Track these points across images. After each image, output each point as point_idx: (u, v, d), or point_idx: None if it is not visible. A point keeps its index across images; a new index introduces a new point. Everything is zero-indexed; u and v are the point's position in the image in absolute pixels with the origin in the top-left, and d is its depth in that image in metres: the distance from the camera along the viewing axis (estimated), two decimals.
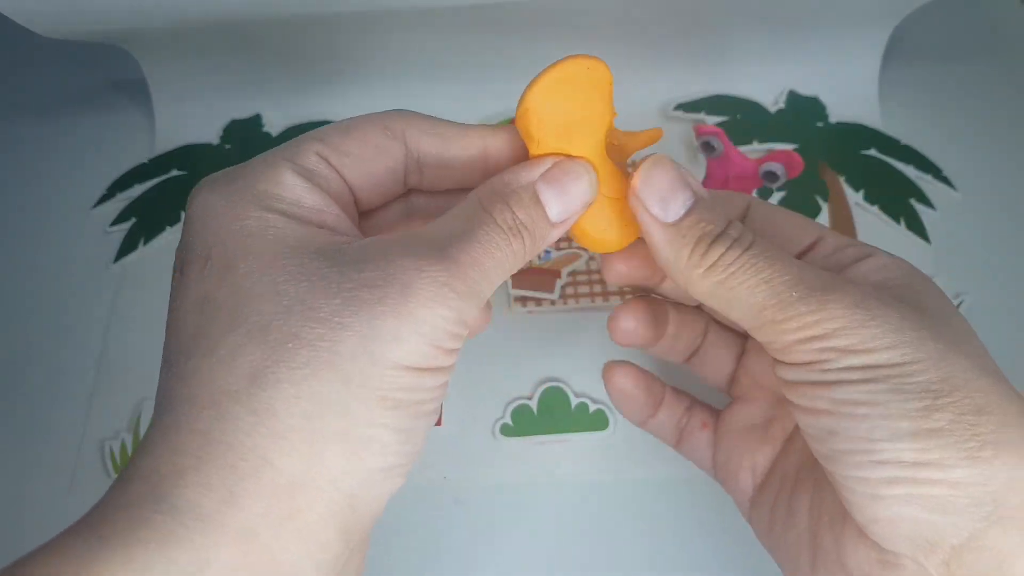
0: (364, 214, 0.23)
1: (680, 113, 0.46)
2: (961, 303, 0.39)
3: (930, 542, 0.19)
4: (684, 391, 0.29)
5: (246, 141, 0.46)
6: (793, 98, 0.47)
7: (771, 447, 0.26)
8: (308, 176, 0.20)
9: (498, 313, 0.39)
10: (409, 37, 0.43)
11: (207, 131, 0.46)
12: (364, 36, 0.43)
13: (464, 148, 0.22)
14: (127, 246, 0.42)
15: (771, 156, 0.35)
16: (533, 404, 0.36)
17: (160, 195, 0.44)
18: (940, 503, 0.18)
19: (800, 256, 0.23)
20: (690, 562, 0.33)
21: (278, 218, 0.19)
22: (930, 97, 0.48)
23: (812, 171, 0.44)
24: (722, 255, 0.21)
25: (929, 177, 0.44)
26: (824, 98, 0.47)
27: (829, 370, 0.19)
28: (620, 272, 0.25)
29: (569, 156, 0.22)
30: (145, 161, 0.45)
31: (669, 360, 0.29)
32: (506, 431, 0.36)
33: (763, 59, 0.46)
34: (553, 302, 0.39)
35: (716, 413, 0.28)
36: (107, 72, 0.50)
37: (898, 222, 0.42)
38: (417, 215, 0.24)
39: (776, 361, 0.21)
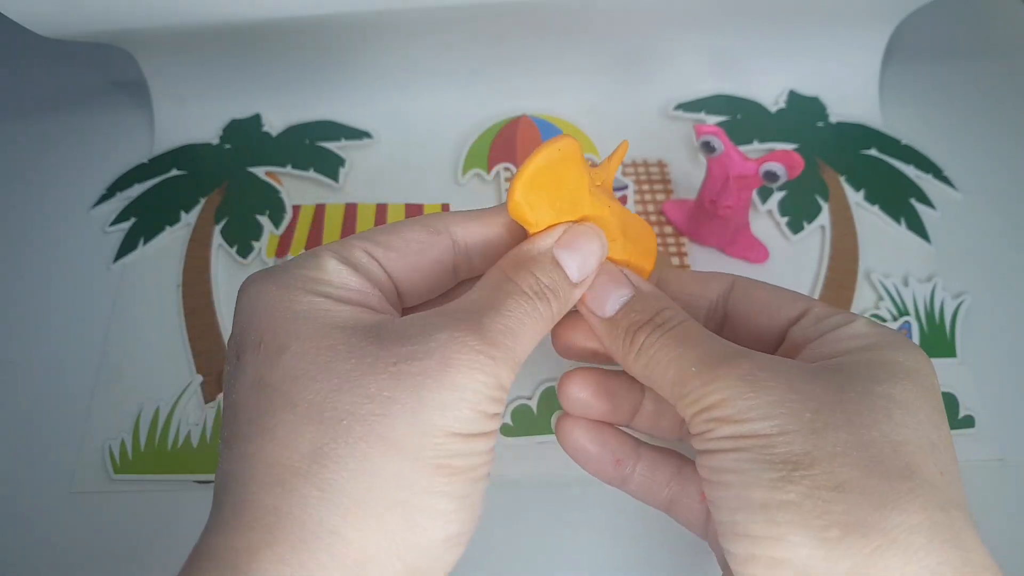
0: (411, 308, 0.24)
1: (680, 113, 0.46)
2: (961, 303, 0.39)
3: None
4: (671, 450, 0.27)
5: (246, 141, 0.46)
6: (793, 98, 0.47)
7: None
8: (353, 265, 0.21)
9: None
10: (409, 37, 0.43)
11: (207, 131, 0.46)
12: (364, 36, 0.43)
13: (499, 224, 0.23)
14: (127, 246, 0.42)
15: (771, 156, 0.35)
16: (533, 404, 0.36)
17: (160, 195, 0.44)
18: None
19: (787, 328, 0.24)
20: (690, 561, 0.33)
21: (324, 301, 0.20)
22: (930, 97, 0.48)
23: (812, 171, 0.44)
24: (644, 340, 0.22)
25: (929, 177, 0.44)
26: (824, 98, 0.47)
27: (710, 439, 0.20)
28: (570, 344, 0.26)
29: (576, 221, 0.23)
30: (145, 161, 0.45)
31: (663, 438, 0.28)
32: (506, 431, 0.36)
33: (763, 59, 0.46)
34: None
35: None
36: (107, 72, 0.50)
37: (898, 222, 0.42)
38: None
39: (689, 433, 0.22)
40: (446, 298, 0.25)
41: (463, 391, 0.19)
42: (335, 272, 0.21)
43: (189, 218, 0.43)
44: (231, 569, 0.17)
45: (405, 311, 0.24)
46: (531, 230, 0.23)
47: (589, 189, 0.24)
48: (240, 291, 0.21)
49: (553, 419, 0.27)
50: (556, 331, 0.26)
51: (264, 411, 0.19)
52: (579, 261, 0.22)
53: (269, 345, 0.19)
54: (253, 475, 0.18)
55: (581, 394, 0.26)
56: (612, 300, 0.23)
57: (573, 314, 0.26)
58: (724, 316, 0.26)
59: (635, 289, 0.24)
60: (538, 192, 0.22)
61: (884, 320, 0.39)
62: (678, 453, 0.27)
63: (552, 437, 0.35)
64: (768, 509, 0.18)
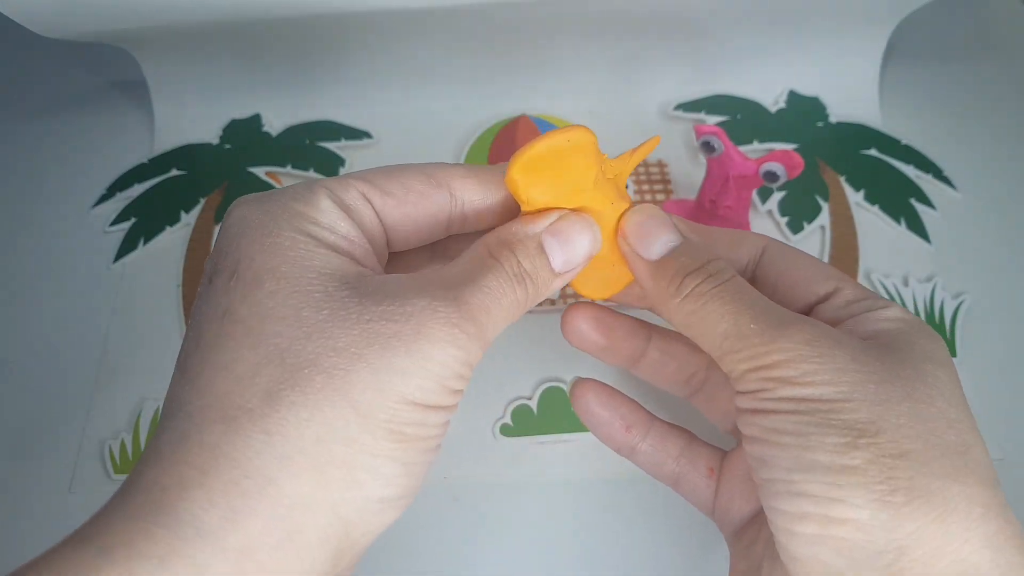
0: (396, 253, 0.24)
1: (680, 113, 0.46)
2: (961, 303, 0.39)
3: None
4: (681, 428, 0.28)
5: (246, 141, 0.46)
6: (793, 98, 0.47)
7: None
8: (346, 208, 0.21)
9: None
10: (409, 37, 0.43)
11: (207, 131, 0.46)
12: (364, 36, 0.43)
13: (501, 188, 0.23)
14: (127, 246, 0.42)
15: (771, 156, 0.35)
16: (533, 404, 0.36)
17: (160, 195, 0.44)
18: (846, 547, 0.18)
19: (815, 305, 0.24)
20: (689, 561, 0.33)
21: (308, 241, 0.19)
22: (930, 97, 0.48)
23: (812, 171, 0.44)
24: (696, 286, 0.22)
25: (929, 177, 0.44)
26: (824, 98, 0.47)
27: (767, 399, 0.20)
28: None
29: (575, 210, 0.23)
30: (145, 161, 0.45)
31: (664, 389, 0.28)
32: (506, 431, 0.36)
33: (763, 59, 0.46)
34: (553, 302, 0.39)
35: (721, 455, 0.27)
36: (107, 72, 0.50)
37: (898, 222, 0.42)
38: (440, 258, 0.25)
39: (734, 391, 0.22)
40: (433, 249, 0.25)
41: (431, 362, 0.18)
42: (326, 211, 0.20)
43: (189, 218, 0.43)
44: (155, 505, 0.16)
45: (391, 255, 0.23)
46: (524, 208, 0.22)
47: (596, 181, 0.23)
48: (227, 212, 0.21)
49: (569, 382, 0.27)
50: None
51: (226, 344, 0.18)
52: (566, 252, 0.22)
53: (243, 275, 0.19)
54: (200, 408, 0.17)
55: (582, 325, 0.26)
56: (660, 244, 0.23)
57: (585, 304, 0.26)
58: (752, 281, 0.25)
59: (683, 237, 0.23)
60: (538, 173, 0.22)
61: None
62: (688, 430, 0.27)
63: (552, 437, 0.36)
64: (831, 472, 0.18)
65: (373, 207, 0.21)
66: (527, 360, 0.38)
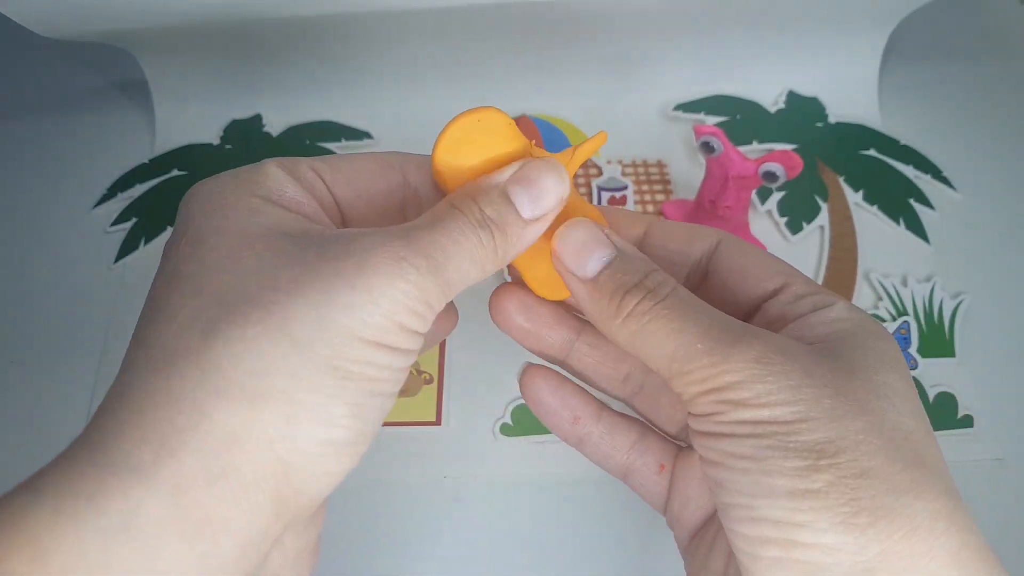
0: None
1: (680, 113, 0.46)
2: (960, 303, 0.39)
3: None
4: (635, 419, 0.26)
5: (246, 141, 0.46)
6: (793, 98, 0.47)
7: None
8: (296, 177, 0.21)
9: None
10: (409, 38, 0.43)
11: (207, 131, 0.46)
12: (364, 36, 0.43)
13: None
14: (128, 246, 0.42)
15: (771, 156, 0.35)
16: None
17: (160, 195, 0.44)
18: (811, 569, 0.18)
19: (763, 300, 0.23)
20: None
21: (256, 200, 0.20)
22: (930, 97, 0.48)
23: (812, 171, 0.44)
24: (636, 304, 0.21)
25: (928, 177, 0.44)
26: (824, 98, 0.47)
27: (722, 422, 0.19)
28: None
29: (539, 156, 0.22)
30: (145, 161, 0.46)
31: (602, 389, 0.27)
32: (506, 431, 0.36)
33: (763, 59, 0.46)
34: None
35: (675, 451, 0.26)
36: (107, 72, 0.50)
37: (897, 222, 0.42)
38: None
39: (687, 412, 0.21)
40: None
41: (377, 296, 0.18)
42: (274, 177, 0.20)
43: None
44: (91, 448, 0.16)
45: None
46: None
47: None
48: (187, 195, 0.21)
49: (519, 369, 0.26)
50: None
51: (170, 298, 0.18)
52: (533, 196, 0.21)
53: (191, 238, 0.19)
54: (146, 358, 0.17)
55: (508, 305, 0.25)
56: (594, 260, 0.22)
57: (514, 285, 0.25)
58: (704, 276, 0.24)
59: (617, 250, 0.22)
60: (460, 161, 0.21)
61: (883, 320, 0.39)
62: (642, 423, 0.26)
63: (552, 437, 0.36)
64: (793, 496, 0.18)
65: (324, 181, 0.21)
66: (527, 360, 0.38)
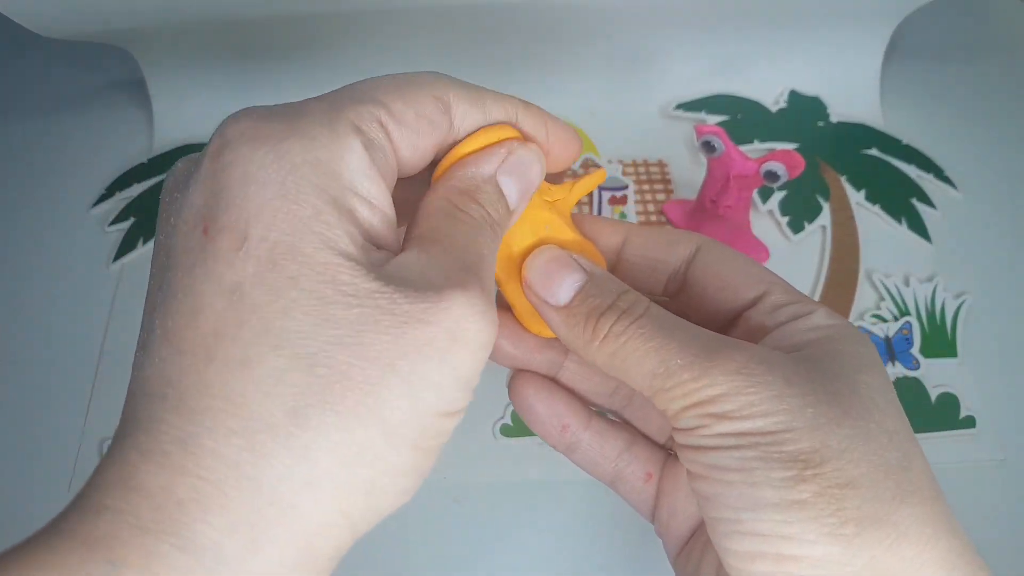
0: None
1: (681, 112, 0.46)
2: (962, 303, 0.39)
3: None
4: (624, 425, 0.27)
5: None
6: (794, 97, 0.47)
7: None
8: (370, 151, 0.18)
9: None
10: (409, 37, 0.43)
11: (206, 131, 0.46)
12: (364, 36, 0.43)
13: (502, 117, 0.22)
14: (126, 246, 0.42)
15: (772, 155, 0.35)
16: None
17: (159, 195, 0.44)
18: None
19: (743, 309, 0.23)
20: None
21: (332, 211, 0.17)
22: (931, 97, 0.48)
23: (813, 170, 0.44)
24: (611, 326, 0.21)
25: (930, 177, 0.44)
26: (825, 98, 0.47)
27: (706, 435, 0.19)
28: (505, 351, 0.25)
29: (519, 139, 0.22)
30: (144, 161, 0.45)
31: (591, 401, 0.27)
32: (506, 431, 0.36)
33: (764, 58, 0.46)
34: None
35: (663, 457, 0.26)
36: (107, 72, 0.50)
37: (899, 222, 0.42)
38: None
39: (671, 427, 0.21)
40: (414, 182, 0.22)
41: (463, 370, 0.17)
42: (354, 166, 0.17)
43: None
44: (171, 522, 0.15)
45: None
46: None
47: (532, 202, 0.22)
48: (225, 141, 0.18)
49: (508, 375, 0.26)
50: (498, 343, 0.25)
51: (239, 334, 0.16)
52: (520, 187, 0.21)
53: (257, 249, 0.16)
54: (213, 409, 0.15)
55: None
56: (565, 287, 0.22)
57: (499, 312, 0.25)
58: (683, 283, 0.24)
59: (587, 274, 0.22)
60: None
61: (885, 320, 0.39)
62: (630, 431, 0.26)
63: None
64: (780, 508, 0.18)
65: (391, 141, 0.19)
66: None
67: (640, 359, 0.20)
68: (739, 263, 0.23)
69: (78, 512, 0.15)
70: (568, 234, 0.23)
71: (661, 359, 0.20)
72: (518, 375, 0.26)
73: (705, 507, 0.20)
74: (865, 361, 0.20)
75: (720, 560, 0.20)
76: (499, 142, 0.21)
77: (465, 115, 0.21)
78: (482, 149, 0.21)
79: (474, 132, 0.21)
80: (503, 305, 0.24)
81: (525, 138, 0.22)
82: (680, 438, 0.20)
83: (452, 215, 0.20)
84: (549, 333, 0.24)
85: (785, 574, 0.18)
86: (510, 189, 0.21)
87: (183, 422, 0.16)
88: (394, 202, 0.19)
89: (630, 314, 0.21)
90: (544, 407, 0.25)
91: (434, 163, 0.21)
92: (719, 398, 0.19)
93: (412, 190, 0.21)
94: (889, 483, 0.18)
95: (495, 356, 0.25)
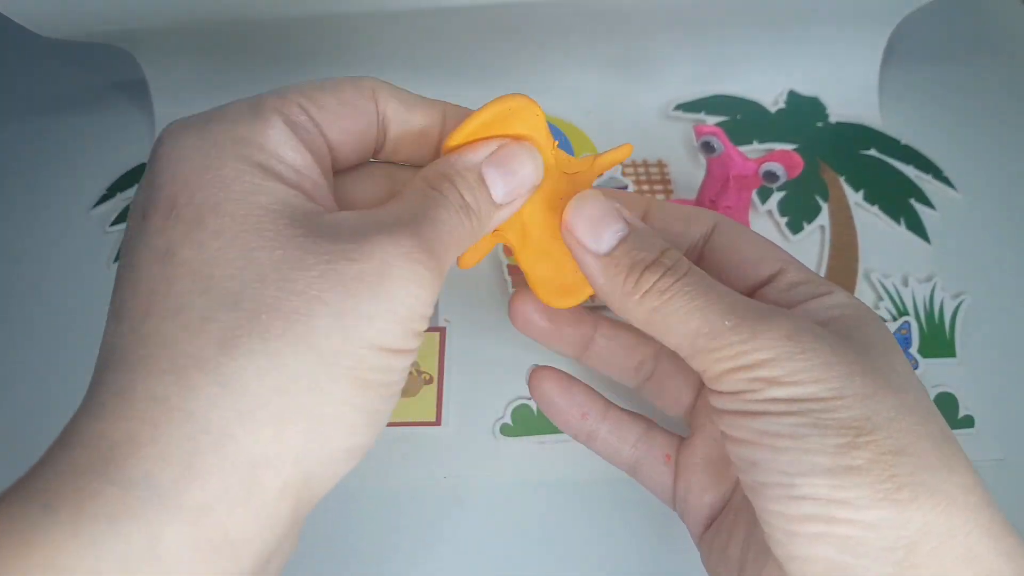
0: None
1: (680, 113, 0.46)
2: (961, 303, 0.39)
3: None
4: (640, 415, 0.27)
5: None
6: (793, 98, 0.47)
7: (728, 483, 0.25)
8: (293, 128, 0.19)
9: (499, 312, 0.39)
10: (409, 37, 0.43)
11: None
12: (364, 36, 0.43)
13: (425, 115, 0.22)
14: None
15: (771, 156, 0.35)
16: (533, 404, 0.36)
17: None
18: (853, 544, 0.18)
19: (759, 286, 0.23)
20: (691, 559, 0.33)
21: (255, 172, 0.18)
22: (930, 97, 0.48)
23: (812, 171, 0.44)
24: (656, 281, 0.21)
25: (929, 177, 0.44)
26: (824, 98, 0.47)
27: (755, 400, 0.19)
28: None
29: (516, 138, 0.21)
30: (145, 161, 0.45)
31: (614, 378, 0.27)
32: (506, 431, 0.36)
33: (763, 59, 0.46)
34: None
35: (678, 441, 0.27)
36: (107, 72, 0.50)
37: (898, 222, 0.42)
38: (372, 189, 0.23)
39: (709, 390, 0.21)
40: (356, 177, 0.23)
41: (396, 303, 0.17)
42: (273, 137, 0.18)
43: None
44: (104, 461, 0.15)
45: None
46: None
47: (548, 170, 0.22)
48: (158, 140, 0.19)
49: (527, 370, 0.26)
50: (513, 302, 0.25)
51: (171, 288, 0.16)
52: (508, 182, 0.21)
53: (184, 213, 0.17)
54: (146, 357, 0.16)
55: (528, 308, 0.25)
56: (608, 235, 0.21)
57: (526, 291, 0.25)
58: (699, 259, 0.24)
59: (630, 226, 0.22)
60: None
61: (884, 320, 0.39)
62: (646, 417, 0.27)
63: (552, 437, 0.35)
64: (835, 474, 0.18)
65: (315, 123, 0.20)
66: (527, 360, 0.38)
67: (684, 317, 0.20)
68: (755, 241, 0.24)
69: (26, 474, 0.16)
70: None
71: (707, 319, 0.20)
72: (536, 370, 0.26)
73: (750, 472, 0.20)
74: (888, 342, 0.21)
75: (762, 525, 0.20)
76: (491, 137, 0.21)
77: (387, 104, 0.21)
78: (475, 142, 0.21)
79: (479, 110, 0.21)
80: (521, 281, 0.24)
81: (522, 137, 0.22)
82: (722, 402, 0.20)
83: (423, 193, 0.20)
84: (563, 304, 0.24)
85: (836, 537, 0.18)
86: (495, 181, 0.21)
87: (119, 375, 0.16)
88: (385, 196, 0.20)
89: (675, 272, 0.21)
90: (563, 398, 0.26)
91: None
92: (768, 362, 0.19)
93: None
94: (936, 452, 0.19)
95: (530, 330, 0.26)
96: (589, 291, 0.23)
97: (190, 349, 0.16)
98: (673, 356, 0.27)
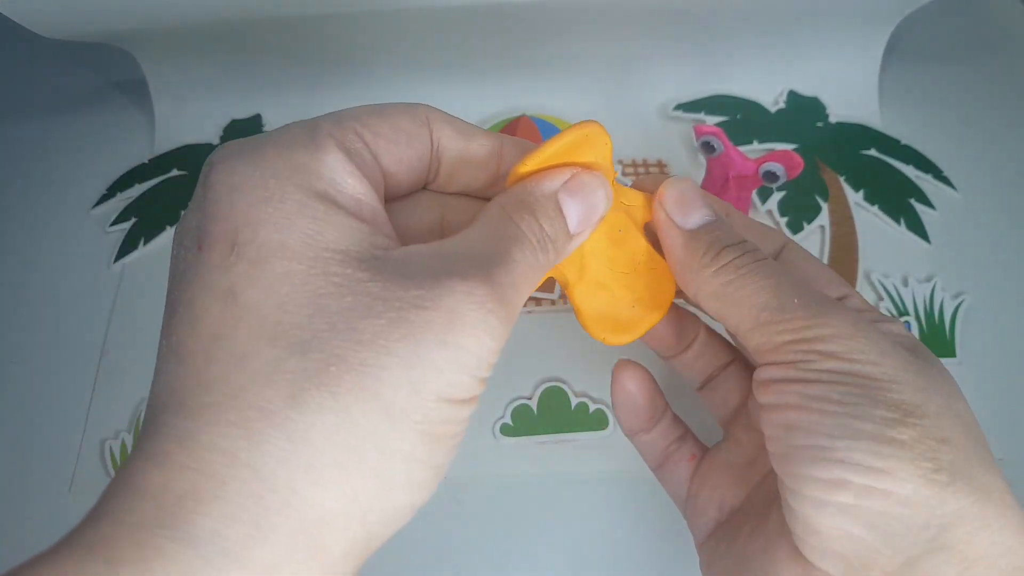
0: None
1: (680, 113, 0.46)
2: (961, 303, 0.39)
3: (863, 565, 0.18)
4: (682, 420, 0.28)
5: None
6: (793, 98, 0.47)
7: (743, 488, 0.25)
8: (349, 155, 0.18)
9: None
10: (409, 37, 0.43)
11: (207, 131, 0.46)
12: (364, 36, 0.43)
13: (482, 146, 0.22)
14: (127, 246, 0.42)
15: (771, 156, 0.35)
16: (533, 404, 0.36)
17: (160, 195, 0.44)
18: (882, 519, 0.18)
19: None
20: (691, 558, 0.33)
21: (317, 203, 0.17)
22: (930, 97, 0.48)
23: (812, 171, 0.44)
24: (734, 258, 0.22)
25: (929, 177, 0.44)
26: (824, 98, 0.47)
27: (810, 369, 0.20)
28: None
29: (584, 166, 0.22)
30: (145, 161, 0.45)
31: (685, 378, 0.28)
32: (506, 431, 0.36)
33: (763, 59, 0.46)
34: (553, 302, 0.39)
35: (705, 450, 0.28)
36: (107, 72, 0.50)
37: (898, 222, 0.42)
38: (425, 218, 0.23)
39: (759, 365, 0.21)
40: (407, 206, 0.22)
41: (465, 354, 0.17)
42: (331, 166, 0.18)
43: None
44: (168, 516, 0.15)
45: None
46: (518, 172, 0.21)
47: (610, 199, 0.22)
48: (209, 163, 0.18)
49: (615, 364, 0.27)
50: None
51: (235, 332, 0.16)
52: (582, 210, 0.21)
53: (246, 251, 0.16)
54: (208, 405, 0.15)
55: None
56: (696, 215, 0.23)
57: (632, 364, 0.26)
58: None
59: (717, 216, 0.23)
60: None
61: None
62: (685, 423, 0.28)
63: (552, 437, 0.36)
64: (879, 442, 0.18)
65: (370, 150, 0.19)
66: (527, 360, 0.38)
67: (755, 291, 0.21)
68: (821, 266, 0.25)
69: (84, 522, 0.15)
70: (641, 242, 0.24)
71: (776, 294, 0.21)
72: (622, 363, 0.27)
73: (787, 437, 0.20)
74: (946, 373, 0.21)
75: (786, 496, 0.20)
76: (563, 165, 0.21)
77: (442, 132, 0.21)
78: (547, 169, 0.21)
79: (554, 137, 0.21)
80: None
81: (590, 166, 0.22)
82: (773, 372, 0.21)
83: (501, 225, 0.20)
84: (617, 340, 0.24)
85: (867, 511, 0.18)
86: (571, 210, 0.21)
87: (182, 422, 0.16)
88: (449, 224, 0.21)
89: (753, 254, 0.22)
90: (643, 397, 0.27)
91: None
92: (829, 338, 0.20)
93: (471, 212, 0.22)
94: (977, 451, 0.19)
95: (657, 346, 0.27)
96: (645, 327, 0.24)
97: (256, 400, 0.15)
98: (740, 364, 0.28)
